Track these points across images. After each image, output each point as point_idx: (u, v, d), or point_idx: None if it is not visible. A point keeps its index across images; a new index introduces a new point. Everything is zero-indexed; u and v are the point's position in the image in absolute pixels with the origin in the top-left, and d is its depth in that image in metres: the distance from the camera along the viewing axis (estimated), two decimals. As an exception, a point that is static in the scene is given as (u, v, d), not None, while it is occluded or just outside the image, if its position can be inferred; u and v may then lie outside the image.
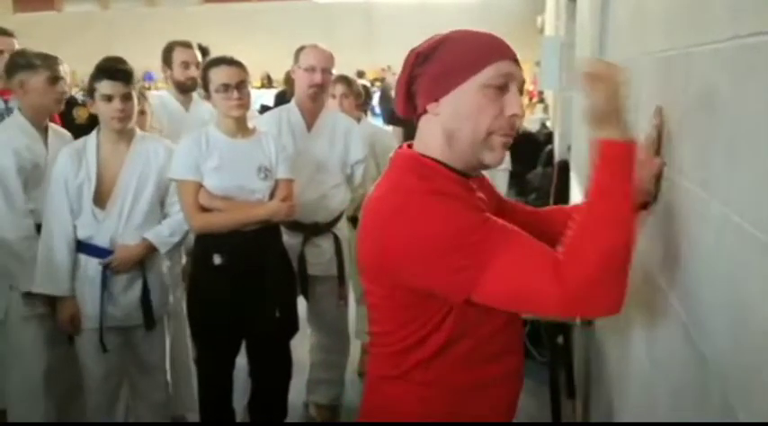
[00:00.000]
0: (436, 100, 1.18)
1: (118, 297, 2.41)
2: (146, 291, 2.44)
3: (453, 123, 1.17)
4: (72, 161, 2.34)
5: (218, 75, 2.36)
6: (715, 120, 0.93)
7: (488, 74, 1.14)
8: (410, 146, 1.26)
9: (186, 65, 3.22)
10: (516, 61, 1.18)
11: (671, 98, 1.21)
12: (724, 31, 0.87)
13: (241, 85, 2.37)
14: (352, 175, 2.91)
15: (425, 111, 1.21)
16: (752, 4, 0.77)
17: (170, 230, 2.45)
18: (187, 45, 3.29)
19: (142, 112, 2.75)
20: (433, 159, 1.20)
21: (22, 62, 2.49)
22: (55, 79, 2.51)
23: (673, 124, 1.19)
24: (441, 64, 1.18)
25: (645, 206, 1.34)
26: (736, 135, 0.83)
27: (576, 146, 3.61)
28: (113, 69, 2.33)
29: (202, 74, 2.46)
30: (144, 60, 3.37)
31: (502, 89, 1.15)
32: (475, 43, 1.18)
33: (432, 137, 1.21)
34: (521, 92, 1.19)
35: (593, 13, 2.47)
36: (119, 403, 2.56)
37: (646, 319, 1.37)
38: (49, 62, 2.51)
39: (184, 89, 3.24)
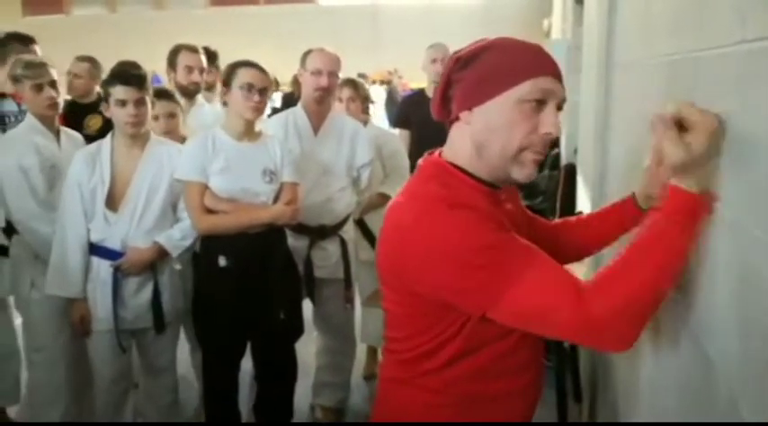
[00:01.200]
0: (470, 108, 1.15)
1: (128, 299, 2.43)
2: (156, 294, 2.45)
3: (484, 135, 1.14)
4: (86, 164, 2.38)
5: (246, 75, 2.39)
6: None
7: (525, 88, 1.11)
8: (440, 153, 1.24)
9: (190, 69, 3.23)
10: (559, 78, 1.14)
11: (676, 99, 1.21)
12: (731, 35, 0.87)
13: (263, 91, 2.41)
14: (359, 178, 2.91)
15: (458, 118, 1.19)
16: (759, 9, 0.78)
17: (182, 234, 2.46)
18: (193, 49, 3.30)
19: (172, 115, 2.77)
20: (460, 168, 1.18)
21: (12, 73, 2.55)
22: (39, 87, 2.52)
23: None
24: (479, 72, 1.15)
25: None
26: (743, 139, 0.83)
27: (583, 150, 3.61)
28: (127, 74, 2.37)
29: (228, 70, 2.46)
30: (151, 63, 3.38)
31: (539, 105, 1.12)
32: (516, 55, 1.14)
33: (461, 145, 1.18)
34: (559, 109, 1.13)
35: (601, 17, 2.46)
36: (127, 405, 2.58)
37: (653, 322, 1.37)
38: (34, 71, 2.53)
39: (186, 93, 3.25)
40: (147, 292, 2.45)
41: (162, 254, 2.44)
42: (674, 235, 1.00)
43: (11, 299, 2.99)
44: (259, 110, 2.42)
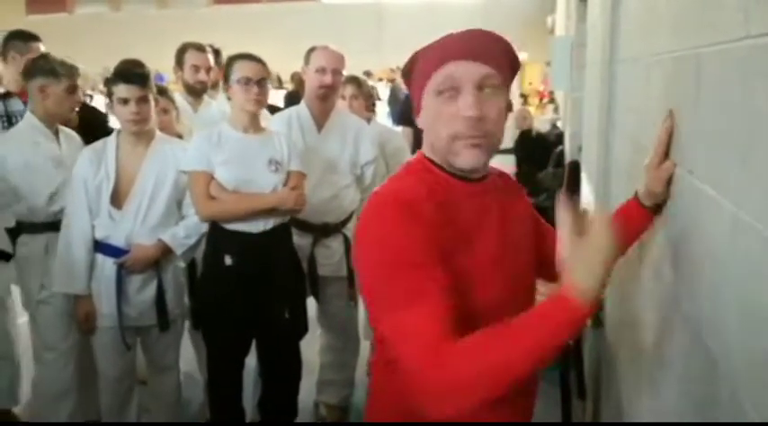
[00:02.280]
0: (419, 107, 1.21)
1: (132, 296, 2.44)
2: (160, 292, 2.46)
3: (426, 132, 1.21)
4: (91, 162, 2.39)
5: (242, 68, 2.39)
6: (726, 121, 0.92)
7: (437, 80, 1.13)
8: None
9: (197, 68, 3.24)
10: (474, 56, 1.11)
11: (681, 99, 1.21)
12: (735, 31, 0.87)
13: (261, 82, 2.41)
14: (363, 176, 2.91)
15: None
16: (763, 4, 0.77)
17: (186, 232, 2.47)
18: (200, 48, 3.30)
19: (165, 111, 2.78)
20: (436, 163, 1.21)
21: (46, 67, 2.53)
22: (74, 88, 2.58)
23: (684, 125, 1.19)
24: (413, 74, 1.22)
25: (657, 209, 1.33)
26: (747, 135, 0.83)
27: (587, 147, 3.60)
28: (129, 73, 2.38)
29: (225, 66, 2.48)
30: (154, 62, 3.39)
31: (456, 92, 1.12)
32: (430, 49, 1.17)
33: (424, 142, 1.24)
34: (482, 88, 1.11)
35: (604, 14, 2.46)
36: (131, 403, 2.59)
37: (657, 319, 1.37)
38: (71, 71, 2.58)
39: (193, 92, 3.26)
40: (150, 290, 2.46)
41: (166, 252, 2.45)
42: (551, 329, 0.97)
43: (11, 302, 3.01)
44: (259, 101, 2.42)
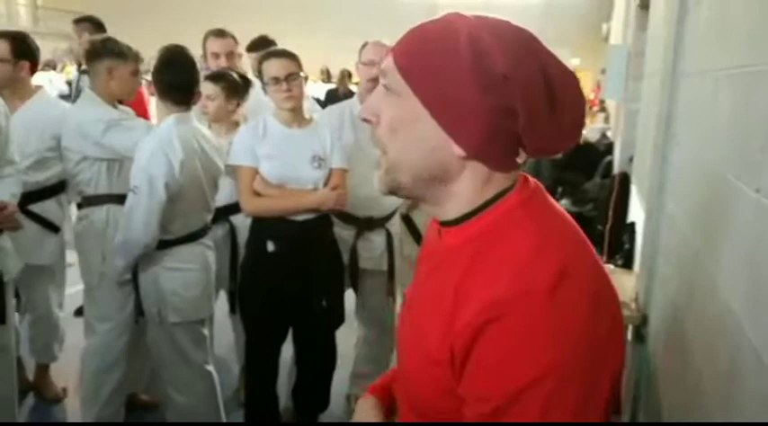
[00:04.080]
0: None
1: None
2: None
3: None
4: None
5: (269, 69, 2.41)
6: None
7: None
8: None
9: (216, 56, 3.26)
10: (394, 53, 0.89)
11: (755, 116, 1.18)
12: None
13: (290, 78, 2.40)
14: None
15: None
16: None
17: None
18: (219, 34, 3.31)
19: (209, 97, 2.82)
20: None
21: (115, 49, 2.60)
22: (137, 72, 2.67)
23: (756, 139, 1.16)
24: None
25: None
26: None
27: (640, 160, 3.53)
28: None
29: (258, 67, 2.51)
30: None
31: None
32: None
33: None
34: (386, 88, 0.88)
35: (669, 23, 2.40)
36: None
37: (714, 343, 1.33)
38: (137, 56, 2.66)
39: None
40: None
41: None
42: None
43: (60, 270, 3.14)
44: (293, 97, 2.42)
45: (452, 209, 0.87)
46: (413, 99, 0.83)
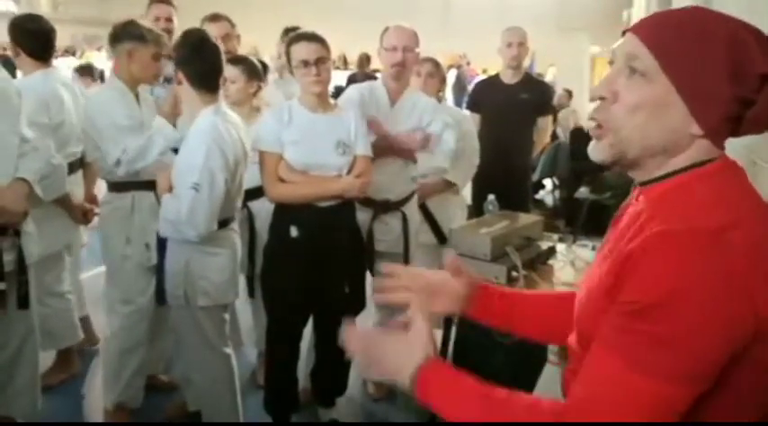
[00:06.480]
0: None
1: None
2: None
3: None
4: None
5: (298, 52, 2.40)
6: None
7: None
8: None
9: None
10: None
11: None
12: None
13: (320, 62, 2.39)
14: (441, 141, 2.83)
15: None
16: None
17: None
18: (214, 18, 3.32)
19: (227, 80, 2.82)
20: None
21: (135, 32, 2.61)
22: (159, 56, 2.66)
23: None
24: None
25: None
26: None
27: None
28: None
29: (286, 50, 2.51)
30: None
31: None
32: None
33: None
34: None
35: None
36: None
37: None
38: (158, 39, 2.65)
39: None
40: None
41: None
42: None
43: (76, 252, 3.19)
44: (321, 81, 2.42)
45: (658, 172, 0.96)
46: (663, 81, 0.90)
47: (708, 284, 0.80)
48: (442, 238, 3.27)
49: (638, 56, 0.92)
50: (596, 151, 0.98)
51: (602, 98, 0.96)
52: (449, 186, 3.31)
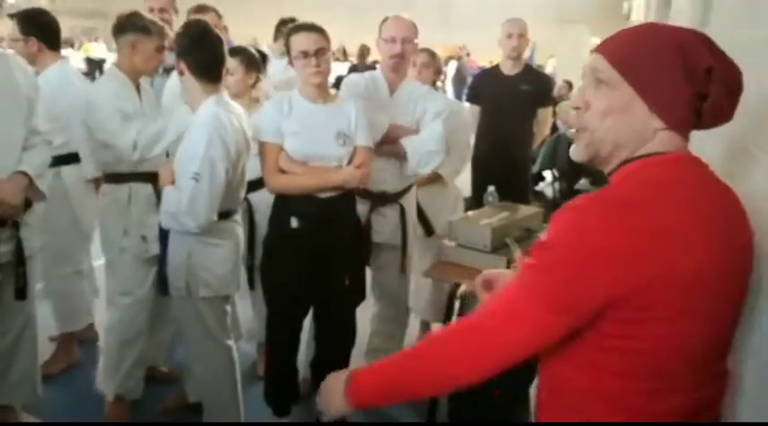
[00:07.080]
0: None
1: None
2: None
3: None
4: None
5: (298, 43, 2.39)
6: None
7: None
8: None
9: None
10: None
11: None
12: None
13: (320, 53, 2.38)
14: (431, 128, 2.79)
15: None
16: None
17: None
18: None
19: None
20: None
21: (138, 23, 2.60)
22: (161, 48, 2.66)
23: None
24: None
25: None
26: None
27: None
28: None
29: (285, 40, 2.50)
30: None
31: None
32: None
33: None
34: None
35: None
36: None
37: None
38: (162, 31, 2.65)
39: None
40: None
41: None
42: None
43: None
44: (321, 73, 2.41)
45: (619, 162, 1.11)
46: (625, 88, 1.06)
47: (589, 239, 0.97)
48: (429, 230, 3.27)
49: (601, 69, 1.08)
50: (575, 152, 1.15)
51: (577, 108, 1.13)
52: (437, 178, 3.29)
